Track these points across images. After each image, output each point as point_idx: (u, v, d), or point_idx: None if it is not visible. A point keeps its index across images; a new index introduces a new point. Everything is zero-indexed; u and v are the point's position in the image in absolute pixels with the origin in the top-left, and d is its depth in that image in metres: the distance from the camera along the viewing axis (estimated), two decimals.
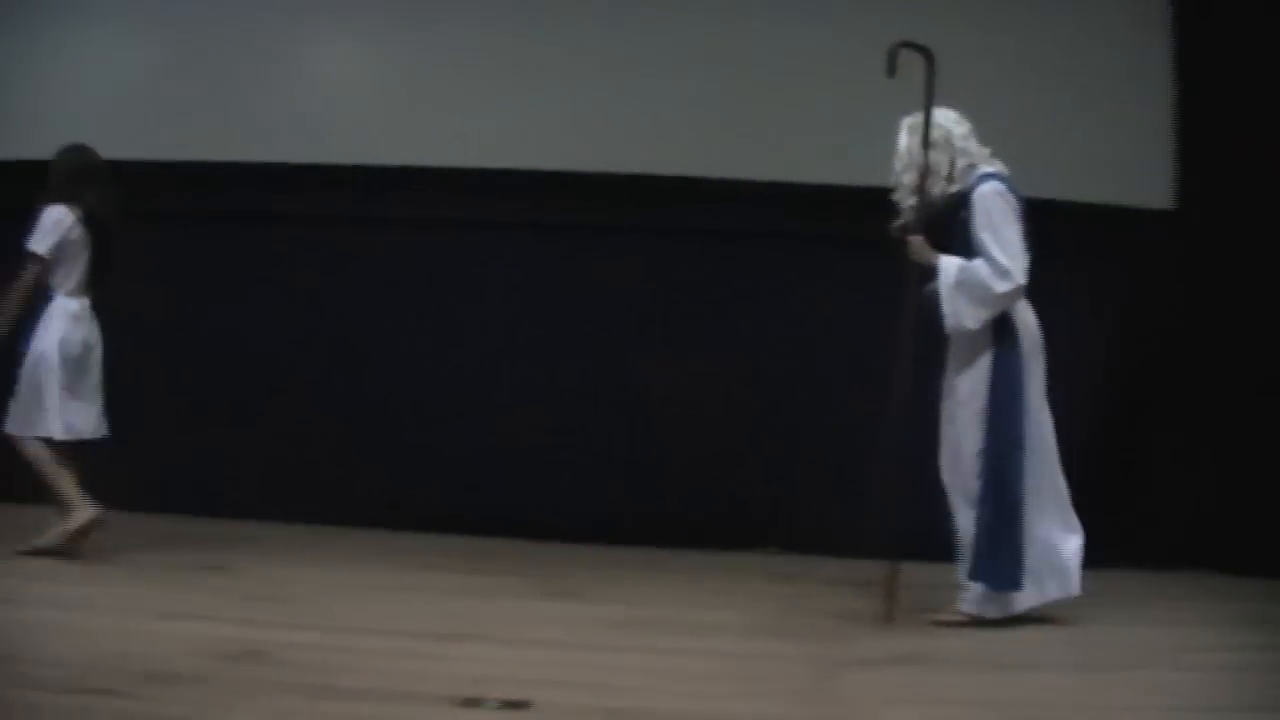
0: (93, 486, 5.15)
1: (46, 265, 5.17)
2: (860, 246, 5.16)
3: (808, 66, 6.11)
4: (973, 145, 4.57)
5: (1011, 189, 4.49)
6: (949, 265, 4.46)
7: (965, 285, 4.42)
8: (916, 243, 4.53)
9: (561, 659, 3.83)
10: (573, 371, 6.39)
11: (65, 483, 5.13)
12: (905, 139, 4.58)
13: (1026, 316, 4.53)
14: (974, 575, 4.44)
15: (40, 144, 5.69)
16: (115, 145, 5.76)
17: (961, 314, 4.44)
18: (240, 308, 6.63)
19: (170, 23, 6.59)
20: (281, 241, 6.63)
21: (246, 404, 6.57)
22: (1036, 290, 4.51)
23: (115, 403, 5.42)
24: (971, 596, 4.49)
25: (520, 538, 6.07)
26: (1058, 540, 4.52)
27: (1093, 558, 4.62)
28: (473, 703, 3.15)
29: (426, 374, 6.49)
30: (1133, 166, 6.02)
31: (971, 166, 4.54)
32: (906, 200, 4.57)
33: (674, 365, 6.29)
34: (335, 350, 6.59)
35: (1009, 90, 5.86)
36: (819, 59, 6.12)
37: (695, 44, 6.28)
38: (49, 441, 5.16)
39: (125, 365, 5.56)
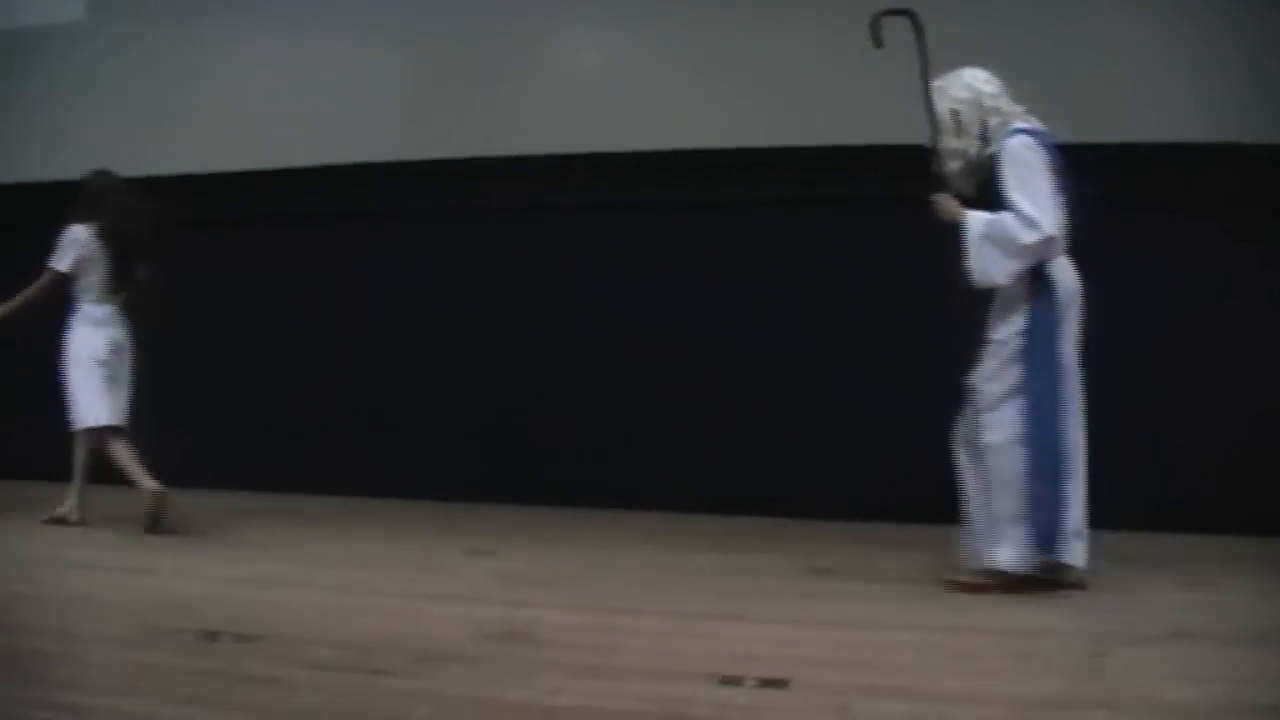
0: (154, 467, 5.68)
1: (65, 277, 5.84)
2: None
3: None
4: (1004, 103, 4.46)
5: (1043, 142, 4.34)
6: (976, 219, 4.36)
7: (992, 238, 4.30)
8: (944, 200, 4.42)
9: (822, 637, 3.79)
10: (813, 351, 6.34)
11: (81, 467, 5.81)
12: (937, 103, 4.46)
13: (1065, 273, 4.36)
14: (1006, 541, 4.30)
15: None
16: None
17: (989, 268, 4.32)
18: (453, 293, 6.87)
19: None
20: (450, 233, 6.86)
21: (472, 388, 6.79)
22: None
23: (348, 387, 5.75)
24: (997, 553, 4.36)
25: (771, 516, 6.06)
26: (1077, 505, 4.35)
27: None
28: (732, 681, 3.16)
29: (666, 354, 6.54)
30: None
31: (1004, 124, 4.40)
32: (951, 164, 4.45)
33: (915, 339, 6.15)
34: (561, 332, 6.72)
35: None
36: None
37: None
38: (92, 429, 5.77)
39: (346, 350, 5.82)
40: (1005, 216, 4.30)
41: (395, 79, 6.90)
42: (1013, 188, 4.30)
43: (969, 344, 4.44)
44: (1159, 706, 3.06)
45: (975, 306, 4.47)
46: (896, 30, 4.47)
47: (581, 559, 5.17)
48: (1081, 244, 4.41)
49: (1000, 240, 4.30)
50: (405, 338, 6.91)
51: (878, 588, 4.51)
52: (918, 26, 4.42)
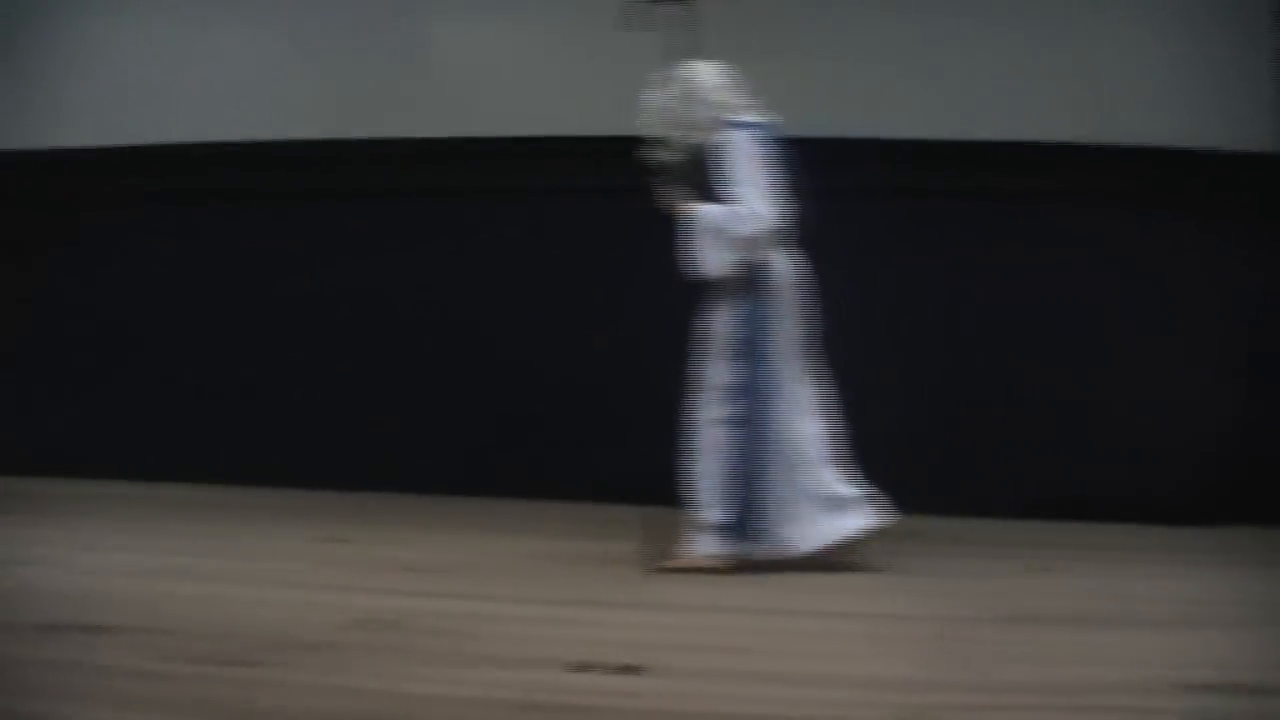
0: None
1: None
2: None
3: None
4: (730, 96, 4.57)
5: (765, 136, 4.49)
6: (695, 211, 4.50)
7: (709, 230, 4.45)
8: (667, 190, 4.55)
9: (675, 622, 3.85)
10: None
11: None
12: (658, 94, 4.60)
13: (781, 266, 4.53)
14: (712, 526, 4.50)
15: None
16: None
17: (706, 259, 4.47)
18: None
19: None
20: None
21: (378, 377, 6.71)
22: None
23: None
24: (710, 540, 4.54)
25: (644, 504, 6.08)
26: (807, 506, 4.51)
27: None
28: (584, 667, 3.18)
29: (548, 340, 6.53)
30: None
31: (727, 117, 4.53)
32: (676, 155, 4.57)
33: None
34: (466, 323, 6.67)
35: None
36: None
37: None
38: None
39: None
40: (722, 209, 4.43)
41: (342, 55, 6.77)
42: (731, 181, 4.43)
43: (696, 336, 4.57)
44: (1000, 686, 3.15)
45: (697, 298, 4.58)
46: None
47: (438, 546, 5.17)
48: (810, 237, 4.56)
49: (717, 232, 4.44)
50: (253, 324, 6.79)
51: (731, 574, 4.57)
52: (690, 10, 4.48)
